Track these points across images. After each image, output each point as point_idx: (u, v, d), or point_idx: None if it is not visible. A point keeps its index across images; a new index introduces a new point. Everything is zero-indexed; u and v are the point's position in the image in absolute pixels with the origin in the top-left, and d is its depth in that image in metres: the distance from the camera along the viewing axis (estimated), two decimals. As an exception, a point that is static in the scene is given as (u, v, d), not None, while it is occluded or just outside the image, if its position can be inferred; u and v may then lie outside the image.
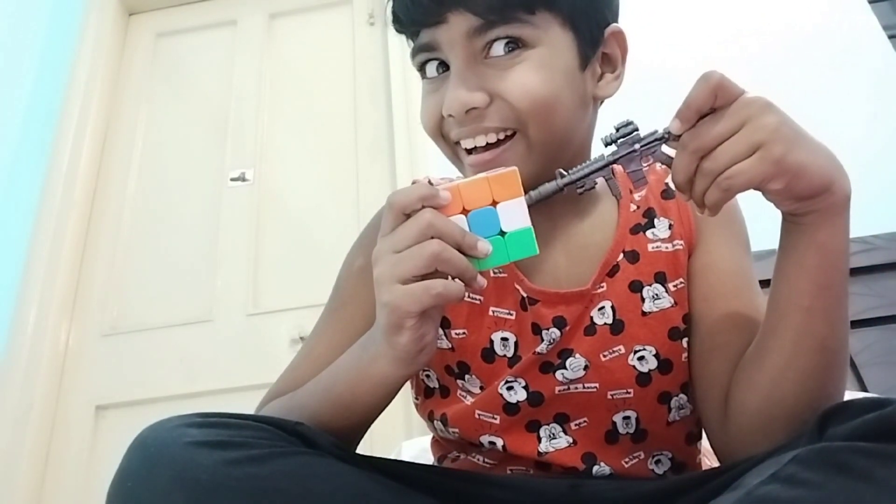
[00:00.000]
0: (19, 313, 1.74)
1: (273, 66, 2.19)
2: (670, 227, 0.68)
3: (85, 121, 2.02)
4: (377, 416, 0.61)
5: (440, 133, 0.64)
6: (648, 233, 0.68)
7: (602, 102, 0.68)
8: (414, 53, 0.65)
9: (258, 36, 2.24)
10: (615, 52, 0.66)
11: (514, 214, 0.53)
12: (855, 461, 0.41)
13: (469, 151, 0.62)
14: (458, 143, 0.63)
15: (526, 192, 0.53)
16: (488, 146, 0.61)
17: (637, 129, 0.55)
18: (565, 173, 0.56)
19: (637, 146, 0.55)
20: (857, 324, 1.38)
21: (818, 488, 0.41)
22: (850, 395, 0.63)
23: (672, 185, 0.69)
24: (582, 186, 0.56)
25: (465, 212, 0.52)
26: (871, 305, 1.41)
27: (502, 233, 0.53)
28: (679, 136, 0.51)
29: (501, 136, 0.61)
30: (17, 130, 1.89)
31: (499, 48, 0.59)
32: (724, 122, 0.49)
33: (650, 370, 0.65)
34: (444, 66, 0.63)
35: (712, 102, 0.50)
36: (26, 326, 1.73)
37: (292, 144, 2.07)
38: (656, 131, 0.54)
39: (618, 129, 0.55)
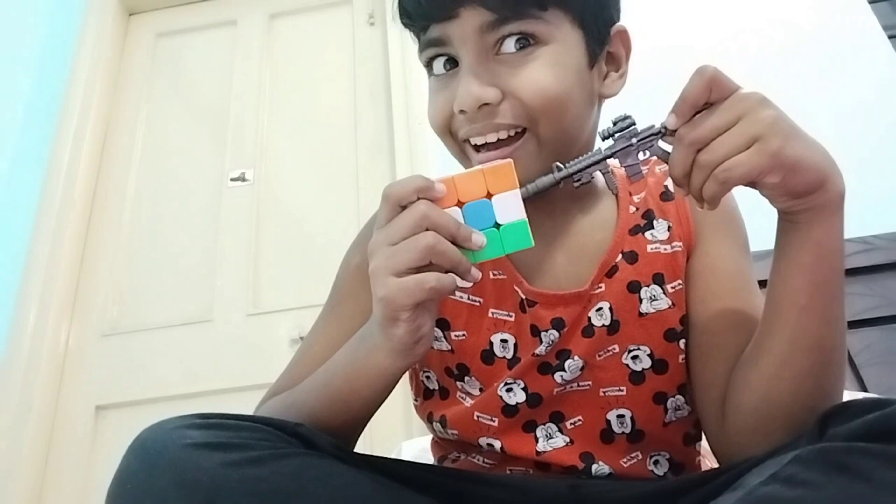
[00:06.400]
0: (19, 313, 1.74)
1: (273, 66, 2.19)
2: (669, 228, 0.68)
3: (85, 121, 2.02)
4: (375, 411, 0.61)
5: (448, 130, 0.63)
6: (647, 234, 0.68)
7: (604, 101, 0.68)
8: (422, 48, 0.64)
9: (258, 36, 2.24)
10: (619, 51, 0.66)
11: (509, 207, 0.53)
12: (855, 462, 0.41)
13: (477, 149, 0.61)
14: (466, 140, 0.62)
15: (523, 185, 0.53)
16: (498, 143, 0.60)
17: (634, 124, 0.55)
18: (562, 167, 0.56)
19: (634, 140, 0.55)
20: (857, 324, 1.37)
21: (819, 489, 0.40)
22: (850, 395, 0.63)
23: (671, 187, 0.69)
24: (579, 180, 0.56)
25: (460, 204, 0.53)
26: (871, 305, 1.41)
27: (497, 225, 0.53)
28: (675, 130, 0.51)
29: (512, 133, 0.60)
30: (17, 130, 1.89)
31: (510, 45, 0.59)
32: (721, 115, 0.49)
33: (644, 369, 0.65)
34: (451, 63, 0.62)
35: (707, 97, 0.50)
36: (26, 326, 1.72)
37: (292, 144, 2.07)
38: (653, 126, 0.54)
39: (615, 123, 0.55)
